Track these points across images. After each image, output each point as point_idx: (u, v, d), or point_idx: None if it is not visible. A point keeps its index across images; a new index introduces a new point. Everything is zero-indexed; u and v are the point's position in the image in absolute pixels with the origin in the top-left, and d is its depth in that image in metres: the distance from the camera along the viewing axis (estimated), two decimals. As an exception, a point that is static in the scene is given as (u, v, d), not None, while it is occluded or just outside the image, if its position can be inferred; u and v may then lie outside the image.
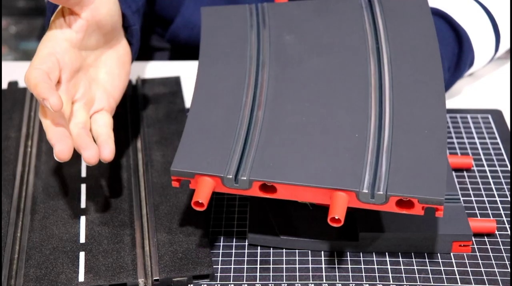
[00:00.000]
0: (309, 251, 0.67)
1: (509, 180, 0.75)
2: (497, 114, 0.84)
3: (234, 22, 0.73)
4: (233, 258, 0.66)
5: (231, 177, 0.60)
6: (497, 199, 0.72)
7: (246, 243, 0.68)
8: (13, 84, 0.88)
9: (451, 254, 0.66)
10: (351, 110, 0.64)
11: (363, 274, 0.64)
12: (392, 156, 0.60)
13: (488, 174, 0.75)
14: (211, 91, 0.67)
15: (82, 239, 0.66)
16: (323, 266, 0.65)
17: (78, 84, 0.68)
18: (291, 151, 0.62)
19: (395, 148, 0.61)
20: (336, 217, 0.58)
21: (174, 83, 0.87)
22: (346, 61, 0.68)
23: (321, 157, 0.61)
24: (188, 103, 0.86)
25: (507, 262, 0.65)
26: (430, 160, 0.60)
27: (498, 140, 0.80)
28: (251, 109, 0.65)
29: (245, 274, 0.65)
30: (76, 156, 0.76)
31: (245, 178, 0.60)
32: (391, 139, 0.61)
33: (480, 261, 0.65)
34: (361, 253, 0.66)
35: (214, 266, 0.65)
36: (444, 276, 0.64)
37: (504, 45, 0.87)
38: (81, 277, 0.63)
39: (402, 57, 0.67)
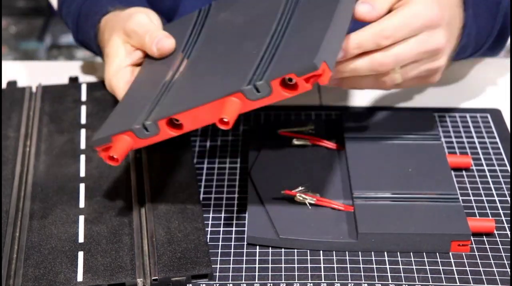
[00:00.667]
0: (308, 251, 0.67)
1: (508, 180, 0.74)
2: (496, 114, 0.84)
3: (186, 20, 0.76)
4: (231, 258, 0.66)
5: (139, 126, 0.62)
6: (496, 198, 0.72)
7: (245, 243, 0.68)
8: (12, 84, 0.88)
9: (450, 253, 0.66)
10: (255, 38, 0.66)
11: (362, 274, 0.64)
12: (277, 53, 0.61)
13: (487, 174, 0.75)
14: (149, 73, 0.71)
15: (81, 239, 0.66)
16: (322, 265, 0.65)
17: None
18: (192, 86, 0.64)
19: (282, 47, 0.62)
20: (225, 119, 0.58)
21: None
22: (262, 10, 0.70)
23: (217, 79, 0.63)
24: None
25: (506, 262, 0.65)
26: (309, 40, 0.60)
27: (497, 139, 0.80)
28: (174, 74, 0.68)
29: (243, 273, 0.65)
30: (75, 156, 0.76)
31: (150, 122, 0.62)
32: (281, 44, 0.63)
33: (479, 261, 0.65)
34: (359, 253, 0.66)
35: (212, 266, 0.65)
36: (443, 275, 0.64)
37: None
38: (80, 277, 0.63)
39: None
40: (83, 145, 0.77)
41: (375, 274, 0.64)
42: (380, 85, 0.71)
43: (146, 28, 0.73)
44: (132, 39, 0.74)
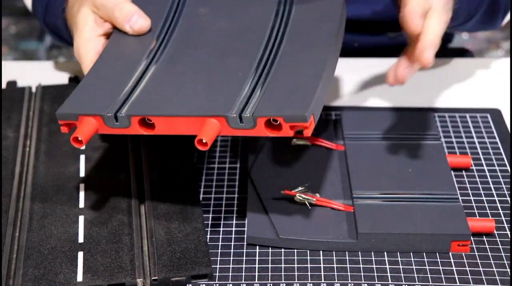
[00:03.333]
0: (308, 251, 0.67)
1: (508, 180, 0.74)
2: (496, 114, 0.84)
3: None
4: (231, 258, 0.66)
5: (110, 115, 0.61)
6: (496, 198, 0.72)
7: (245, 243, 0.68)
8: (11, 84, 0.88)
9: (450, 253, 0.66)
10: (241, 56, 0.66)
11: (362, 274, 0.64)
12: (268, 87, 0.61)
13: (487, 174, 0.75)
14: (120, 48, 0.70)
15: (81, 239, 0.66)
16: (322, 265, 0.65)
17: None
18: (173, 88, 0.64)
19: (272, 80, 0.62)
20: (204, 140, 0.58)
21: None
22: (249, 22, 0.70)
23: (199, 92, 0.62)
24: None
25: (506, 262, 0.65)
26: (303, 85, 0.60)
27: (497, 139, 0.80)
28: (149, 62, 0.67)
29: (243, 273, 0.65)
30: (75, 156, 0.76)
31: (123, 115, 0.61)
32: (271, 74, 0.63)
33: (478, 261, 0.65)
34: (359, 253, 0.66)
35: (212, 266, 0.65)
36: (442, 275, 0.64)
37: None
38: (80, 277, 0.63)
39: (303, 12, 0.70)
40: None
41: (375, 274, 0.64)
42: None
43: (114, 1, 0.71)
44: (100, 11, 0.71)
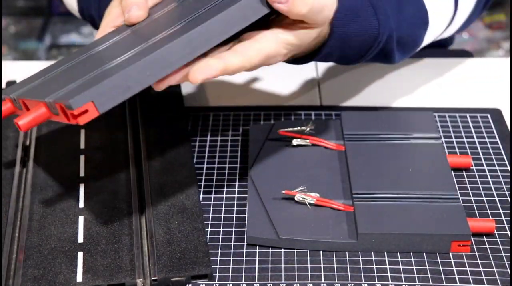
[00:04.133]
0: (308, 251, 0.67)
1: (508, 180, 0.74)
2: (496, 114, 0.84)
3: None
4: (231, 258, 0.66)
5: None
6: (496, 198, 0.72)
7: (245, 243, 0.68)
8: (11, 84, 0.88)
9: (450, 253, 0.66)
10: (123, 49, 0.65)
11: (362, 274, 0.64)
12: (90, 82, 0.61)
13: (487, 174, 0.75)
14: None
15: (81, 239, 0.66)
16: (322, 265, 0.65)
17: None
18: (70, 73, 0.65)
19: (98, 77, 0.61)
20: (20, 123, 0.59)
21: (173, 83, 0.87)
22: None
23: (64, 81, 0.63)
24: (187, 102, 0.86)
25: (506, 262, 0.65)
26: (95, 79, 0.60)
27: (497, 139, 0.80)
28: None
29: (243, 274, 0.65)
30: (75, 156, 0.76)
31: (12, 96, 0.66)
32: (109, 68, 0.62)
33: (479, 261, 0.65)
34: (359, 253, 0.66)
35: (212, 266, 0.65)
36: (443, 276, 0.64)
37: (461, 17, 0.83)
38: (79, 277, 0.63)
39: None
40: (82, 145, 0.77)
41: (375, 274, 0.64)
42: None
43: None
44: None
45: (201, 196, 0.73)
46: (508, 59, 0.95)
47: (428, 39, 0.78)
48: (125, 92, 0.59)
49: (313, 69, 0.94)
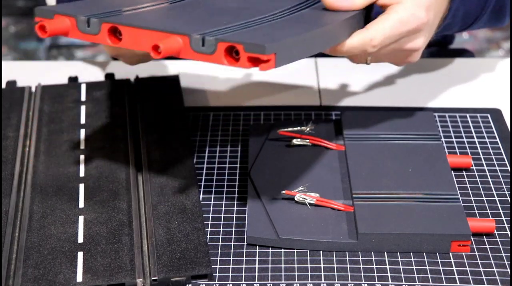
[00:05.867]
0: (308, 251, 0.67)
1: (508, 180, 0.74)
2: (496, 114, 0.84)
3: None
4: (231, 258, 0.66)
5: (83, 18, 0.62)
6: (496, 198, 0.72)
7: (245, 243, 0.68)
8: (11, 84, 0.88)
9: (450, 254, 0.66)
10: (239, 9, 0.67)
11: (362, 274, 0.64)
12: (248, 30, 0.62)
13: (487, 174, 0.75)
14: None
15: (80, 239, 0.66)
16: (322, 265, 0.65)
17: None
18: (153, 11, 0.65)
19: (259, 27, 0.63)
20: (160, 49, 0.58)
21: (173, 82, 0.87)
22: None
23: (183, 17, 0.64)
24: (187, 102, 0.86)
25: (506, 262, 0.65)
26: (283, 30, 0.62)
27: (498, 139, 0.80)
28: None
29: (243, 274, 0.65)
30: (75, 156, 0.76)
31: (96, 20, 0.62)
32: (264, 25, 0.63)
33: (479, 261, 0.65)
34: (359, 253, 0.66)
35: (212, 266, 0.65)
36: (443, 276, 0.64)
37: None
38: (79, 277, 0.63)
39: None
40: (82, 145, 0.77)
41: (375, 274, 0.64)
42: (352, 60, 0.73)
43: None
44: None
45: (201, 196, 0.73)
46: (508, 59, 0.95)
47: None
48: (302, 53, 0.61)
49: (313, 69, 0.94)
